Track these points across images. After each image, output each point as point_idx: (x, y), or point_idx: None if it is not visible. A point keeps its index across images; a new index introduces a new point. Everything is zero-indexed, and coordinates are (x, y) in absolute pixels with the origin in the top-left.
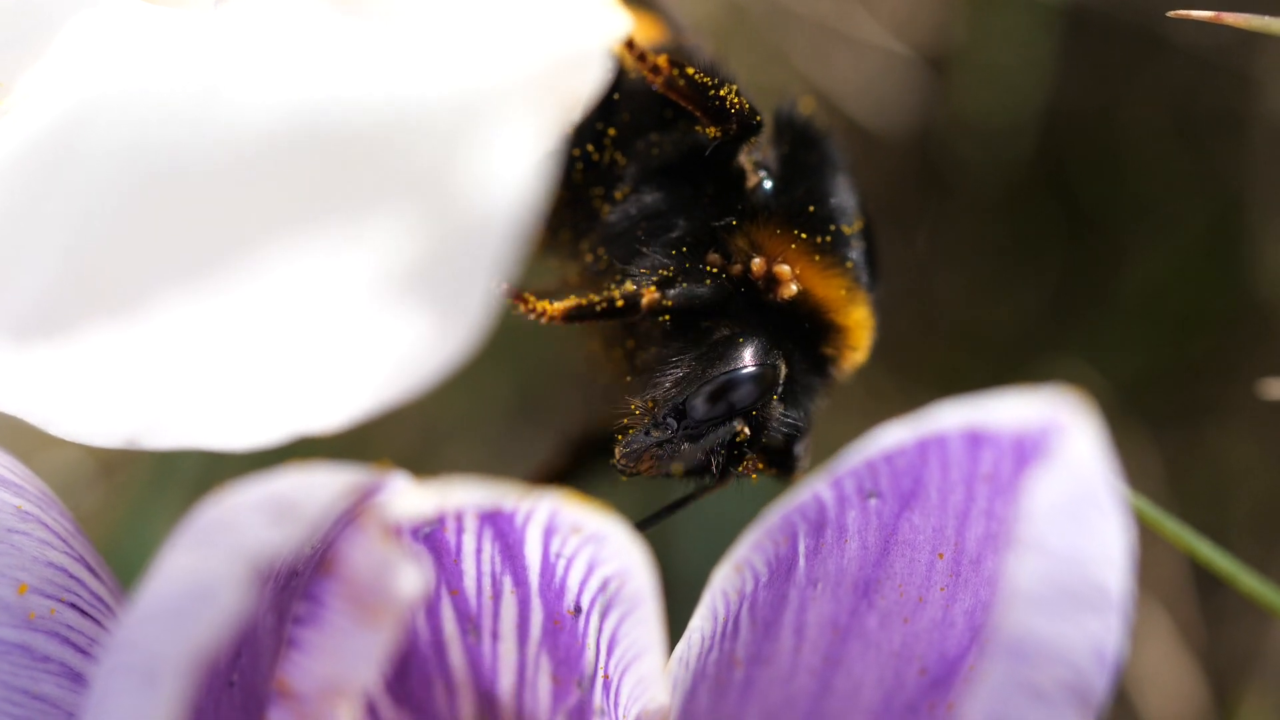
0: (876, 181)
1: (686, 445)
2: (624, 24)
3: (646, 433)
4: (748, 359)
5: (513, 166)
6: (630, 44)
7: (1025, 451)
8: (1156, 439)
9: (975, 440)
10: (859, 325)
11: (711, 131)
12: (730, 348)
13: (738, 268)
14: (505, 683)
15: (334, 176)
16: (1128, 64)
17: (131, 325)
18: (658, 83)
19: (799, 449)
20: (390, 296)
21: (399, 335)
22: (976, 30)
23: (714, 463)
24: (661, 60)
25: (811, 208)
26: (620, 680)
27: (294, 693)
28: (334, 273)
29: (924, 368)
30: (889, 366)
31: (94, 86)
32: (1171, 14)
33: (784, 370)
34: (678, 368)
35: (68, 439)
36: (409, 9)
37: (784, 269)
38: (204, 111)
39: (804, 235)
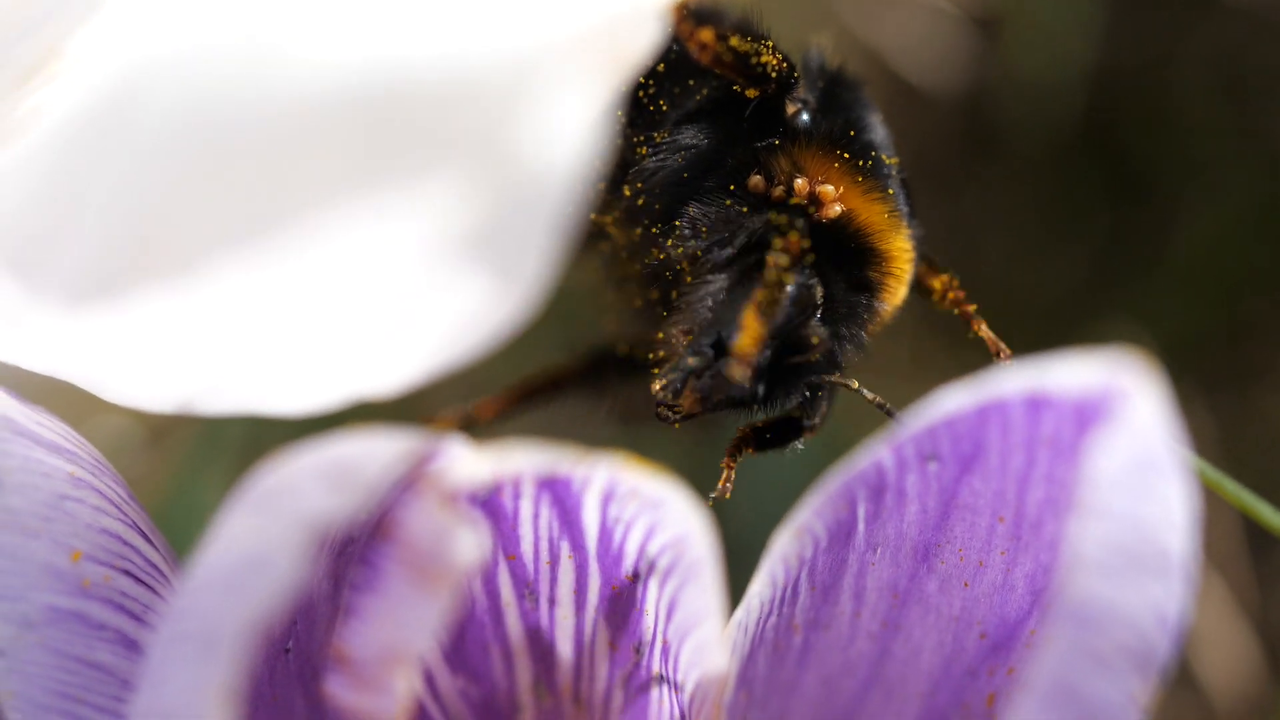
0: (923, 141)
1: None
2: None
3: (684, 362)
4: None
5: (569, 127)
6: (680, 7)
7: (1087, 415)
8: (1207, 400)
9: (1036, 404)
10: (901, 253)
11: (751, 93)
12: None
13: (780, 190)
14: (562, 649)
15: (390, 136)
16: (1176, 22)
17: (185, 288)
18: (705, 59)
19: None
20: (445, 259)
21: (454, 298)
22: None
23: (759, 391)
24: (708, 35)
25: (851, 133)
26: (679, 646)
27: (351, 660)
28: (389, 234)
29: (964, 328)
30: (934, 330)
31: (146, 50)
32: None
33: (820, 289)
34: (713, 294)
35: (120, 404)
36: None
37: (827, 188)
38: (258, 73)
39: (846, 156)
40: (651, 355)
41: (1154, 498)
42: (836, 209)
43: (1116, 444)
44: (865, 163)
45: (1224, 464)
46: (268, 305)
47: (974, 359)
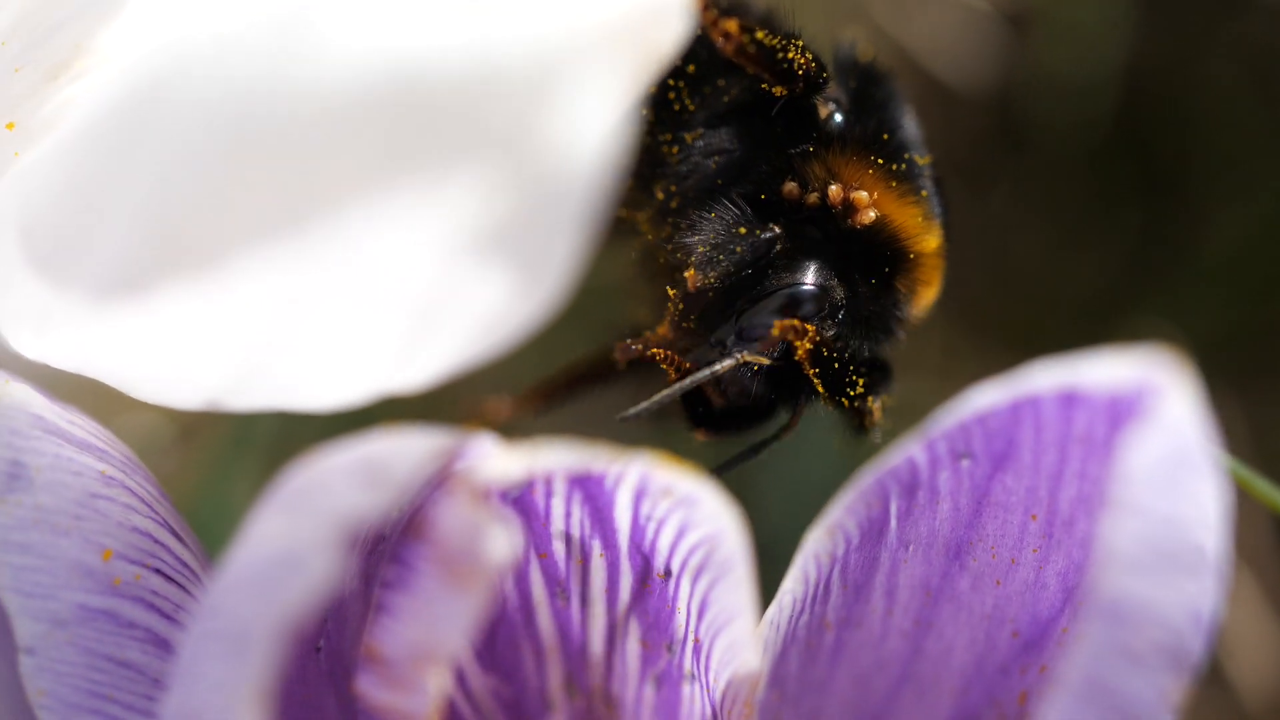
0: (955, 139)
1: (743, 371)
2: None
3: (702, 360)
4: (808, 277)
5: (596, 122)
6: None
7: (1120, 412)
8: (1238, 397)
9: (1069, 401)
10: (933, 257)
11: (779, 90)
12: (789, 268)
13: (814, 196)
14: (594, 647)
15: (417, 131)
16: (1207, 19)
17: (214, 284)
18: (728, 49)
19: (872, 396)
20: (472, 254)
21: (481, 293)
22: None
23: (771, 395)
24: (732, 26)
25: (885, 135)
26: (711, 644)
27: (383, 658)
28: (416, 229)
29: (1001, 327)
30: (965, 326)
31: (173, 45)
32: None
33: (842, 292)
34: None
35: (150, 402)
36: None
37: (861, 194)
38: (287, 66)
39: (880, 161)
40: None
41: (1187, 495)
42: (871, 215)
43: (1150, 441)
44: (899, 165)
45: (1256, 461)
46: (296, 300)
47: (1005, 357)
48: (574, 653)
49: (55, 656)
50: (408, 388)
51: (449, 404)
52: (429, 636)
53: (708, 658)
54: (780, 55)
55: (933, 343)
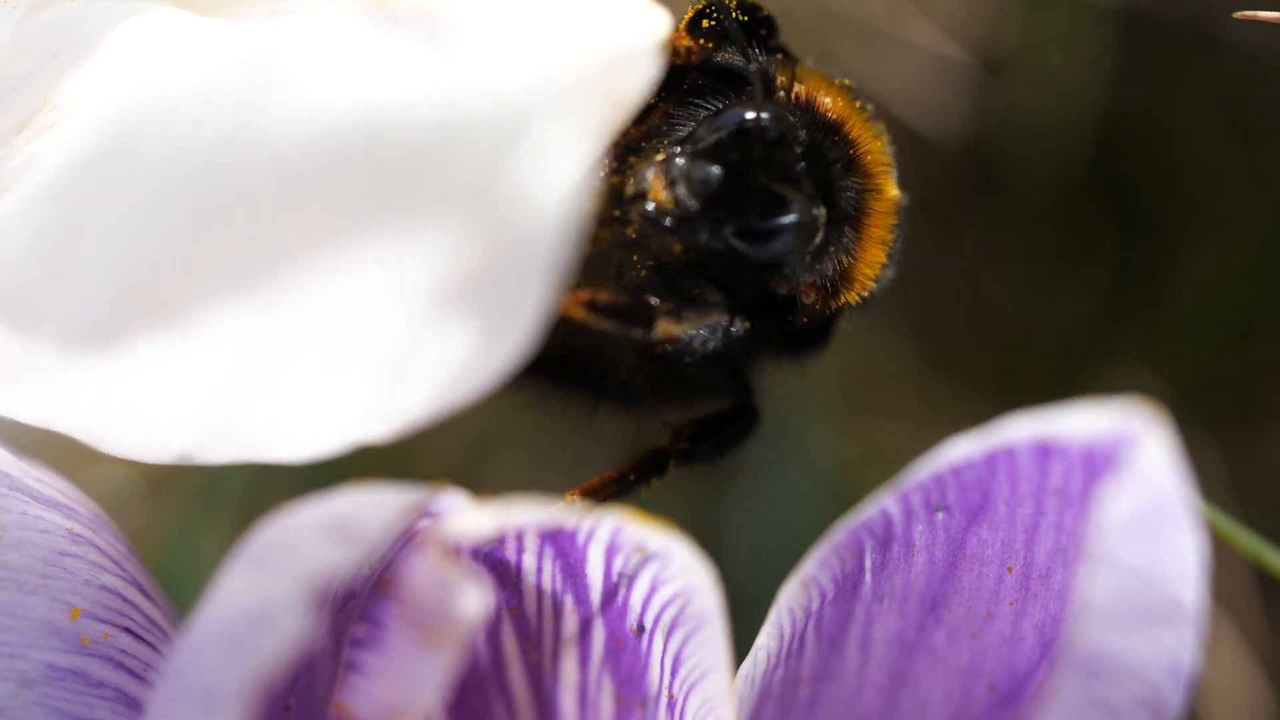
0: (929, 184)
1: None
2: (666, 22)
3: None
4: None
5: (563, 172)
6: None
7: (1096, 464)
8: (1216, 441)
9: (1044, 453)
10: (887, 196)
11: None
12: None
13: (780, 96)
14: (566, 703)
15: (385, 182)
16: (1182, 64)
17: (183, 337)
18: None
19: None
20: (442, 305)
21: (451, 345)
22: (1029, 32)
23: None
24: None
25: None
26: (685, 700)
27: (354, 717)
28: (386, 281)
29: (978, 372)
30: (942, 372)
31: (140, 99)
32: (1238, 15)
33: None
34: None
35: (120, 456)
36: (457, 15)
37: (825, 100)
38: (254, 121)
39: (846, 85)
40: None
41: (1164, 547)
42: (829, 102)
43: (1126, 493)
44: (862, 105)
45: (1234, 506)
46: (266, 352)
47: (982, 402)
48: (547, 709)
49: (23, 716)
50: (379, 438)
51: (421, 454)
52: (400, 695)
53: (682, 713)
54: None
55: (910, 389)
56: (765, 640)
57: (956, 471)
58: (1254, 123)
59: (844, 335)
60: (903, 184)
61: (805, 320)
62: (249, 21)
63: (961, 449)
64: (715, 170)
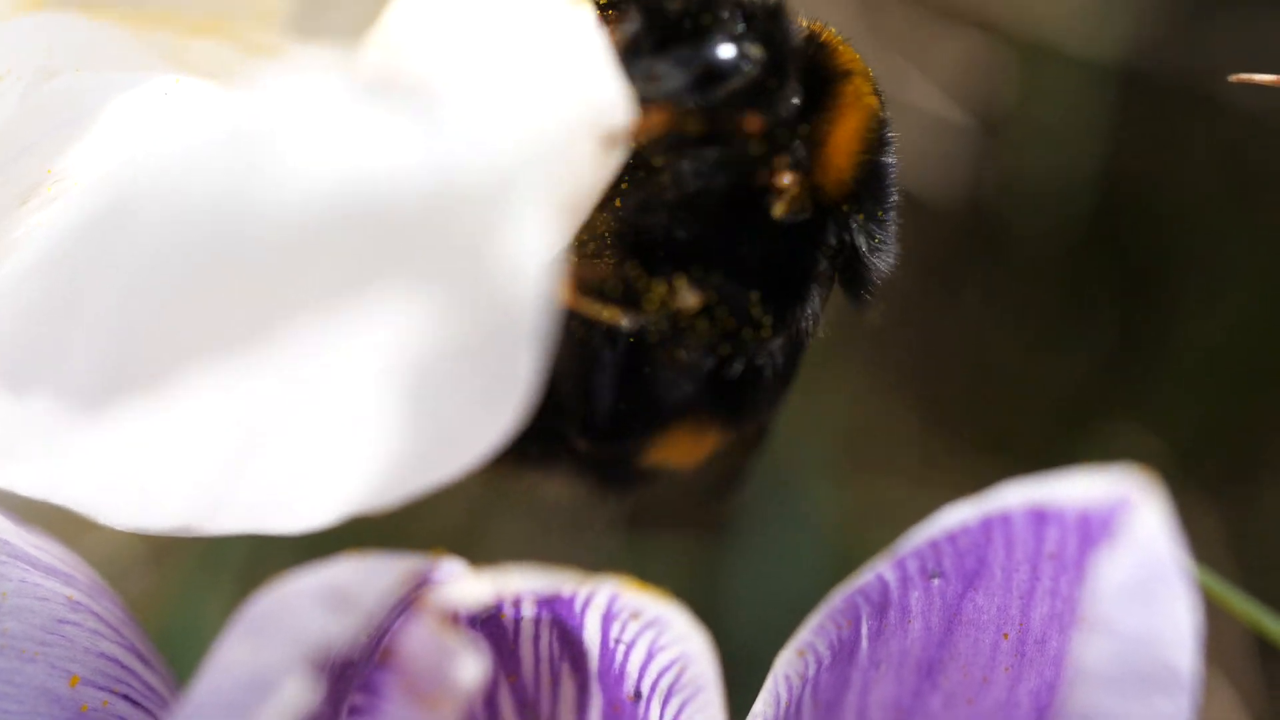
0: (927, 244)
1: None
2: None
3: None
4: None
5: (547, 236)
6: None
7: (1091, 530)
8: (1214, 498)
9: (1040, 518)
10: (857, 64)
11: None
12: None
13: None
14: None
15: (373, 254)
16: (1179, 124)
17: (179, 408)
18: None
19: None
20: (436, 376)
21: (444, 416)
22: (1027, 92)
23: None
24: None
25: None
26: None
27: None
28: (381, 349)
29: (979, 430)
30: (943, 429)
31: (134, 167)
32: (1234, 78)
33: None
34: None
35: (117, 528)
36: (441, 84)
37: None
38: (244, 187)
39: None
40: None
41: (1160, 613)
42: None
43: (1121, 559)
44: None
45: (1231, 565)
46: (262, 423)
47: (982, 461)
48: None
49: None
50: (376, 508)
51: (418, 522)
52: None
53: None
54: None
55: (910, 446)
56: (762, 707)
57: (952, 538)
58: (1252, 182)
59: (844, 393)
60: (902, 243)
61: (787, 214)
62: (242, 89)
63: (958, 515)
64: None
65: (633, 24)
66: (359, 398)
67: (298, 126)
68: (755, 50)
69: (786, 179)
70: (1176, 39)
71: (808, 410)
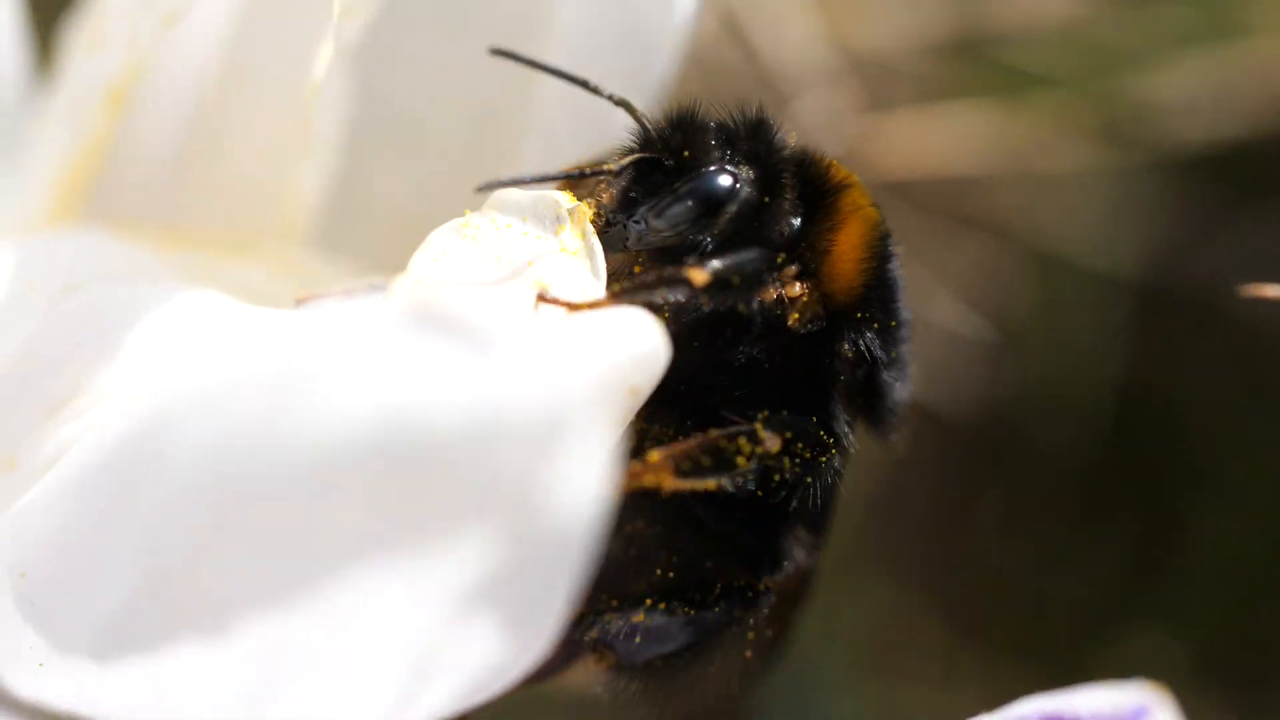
0: (946, 456)
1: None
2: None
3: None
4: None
5: (593, 470)
6: None
7: None
8: (1234, 705)
9: None
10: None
11: None
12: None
13: None
14: None
15: (417, 486)
16: (1194, 336)
17: (210, 636)
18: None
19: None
20: (472, 606)
21: (479, 645)
22: (1044, 305)
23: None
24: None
25: None
26: None
27: None
28: (415, 583)
29: (1000, 636)
30: (964, 636)
31: (167, 397)
32: (1243, 293)
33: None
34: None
35: None
36: (486, 320)
37: None
38: (284, 420)
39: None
40: None
41: None
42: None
43: None
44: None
45: None
46: (294, 652)
47: (1005, 668)
48: None
49: None
50: None
51: None
52: None
53: None
54: None
55: (930, 655)
56: None
57: None
58: (1267, 393)
59: (864, 602)
60: (919, 455)
61: (801, 324)
62: (282, 310)
63: None
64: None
65: (623, 180)
66: (389, 627)
67: (340, 355)
68: (745, 170)
69: (797, 288)
70: (1191, 252)
71: (827, 619)
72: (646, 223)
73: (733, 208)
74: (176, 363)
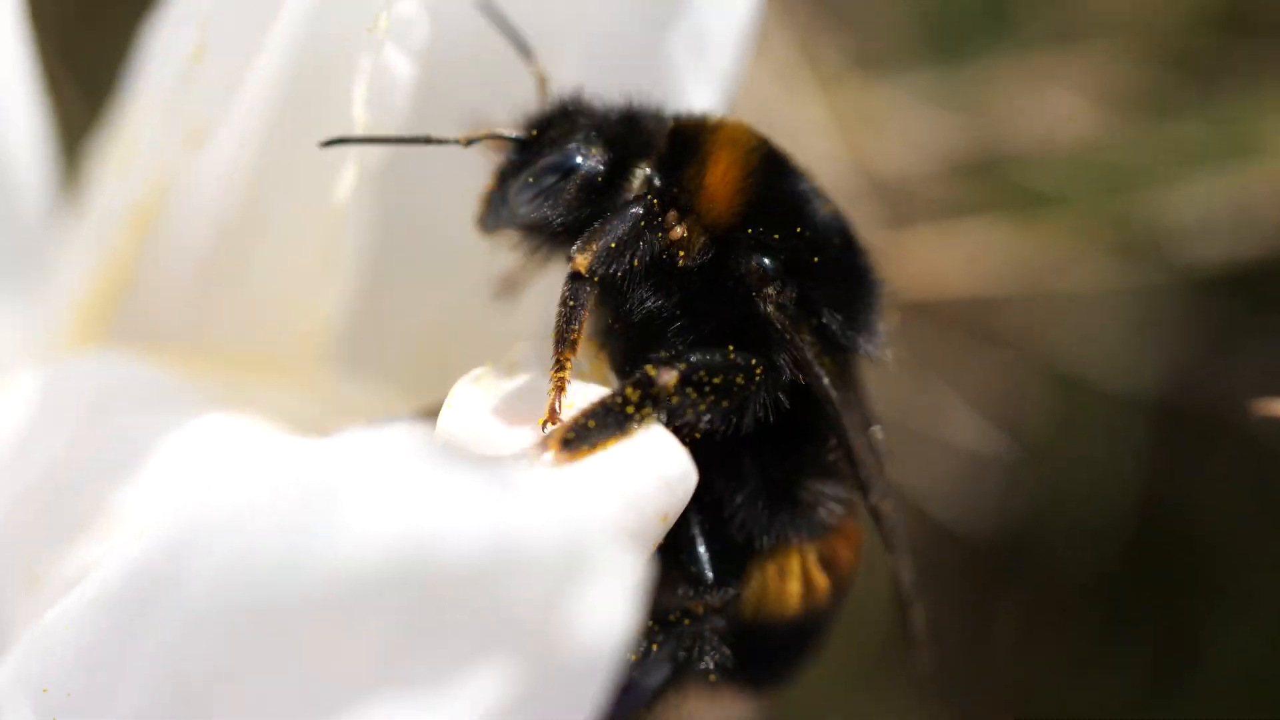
0: (964, 576)
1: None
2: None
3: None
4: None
5: (615, 603)
6: None
7: None
8: None
9: None
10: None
11: None
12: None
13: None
14: None
15: (438, 613)
16: (1211, 452)
17: None
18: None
19: None
20: None
21: None
22: (1061, 424)
23: None
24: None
25: None
26: None
27: None
28: (434, 711)
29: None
30: None
31: (190, 512)
32: (1259, 410)
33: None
34: None
35: None
36: (507, 453)
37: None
38: (306, 544)
39: None
40: None
41: None
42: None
43: None
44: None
45: None
46: None
47: None
48: None
49: None
50: None
51: None
52: None
53: None
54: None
55: None
56: None
57: None
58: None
59: (886, 715)
60: (939, 570)
61: (690, 259)
62: (305, 437)
63: None
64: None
65: (507, 157)
66: None
67: (364, 482)
68: (594, 148)
69: (679, 230)
70: (1207, 370)
71: None
72: (505, 200)
73: (575, 182)
74: (199, 485)
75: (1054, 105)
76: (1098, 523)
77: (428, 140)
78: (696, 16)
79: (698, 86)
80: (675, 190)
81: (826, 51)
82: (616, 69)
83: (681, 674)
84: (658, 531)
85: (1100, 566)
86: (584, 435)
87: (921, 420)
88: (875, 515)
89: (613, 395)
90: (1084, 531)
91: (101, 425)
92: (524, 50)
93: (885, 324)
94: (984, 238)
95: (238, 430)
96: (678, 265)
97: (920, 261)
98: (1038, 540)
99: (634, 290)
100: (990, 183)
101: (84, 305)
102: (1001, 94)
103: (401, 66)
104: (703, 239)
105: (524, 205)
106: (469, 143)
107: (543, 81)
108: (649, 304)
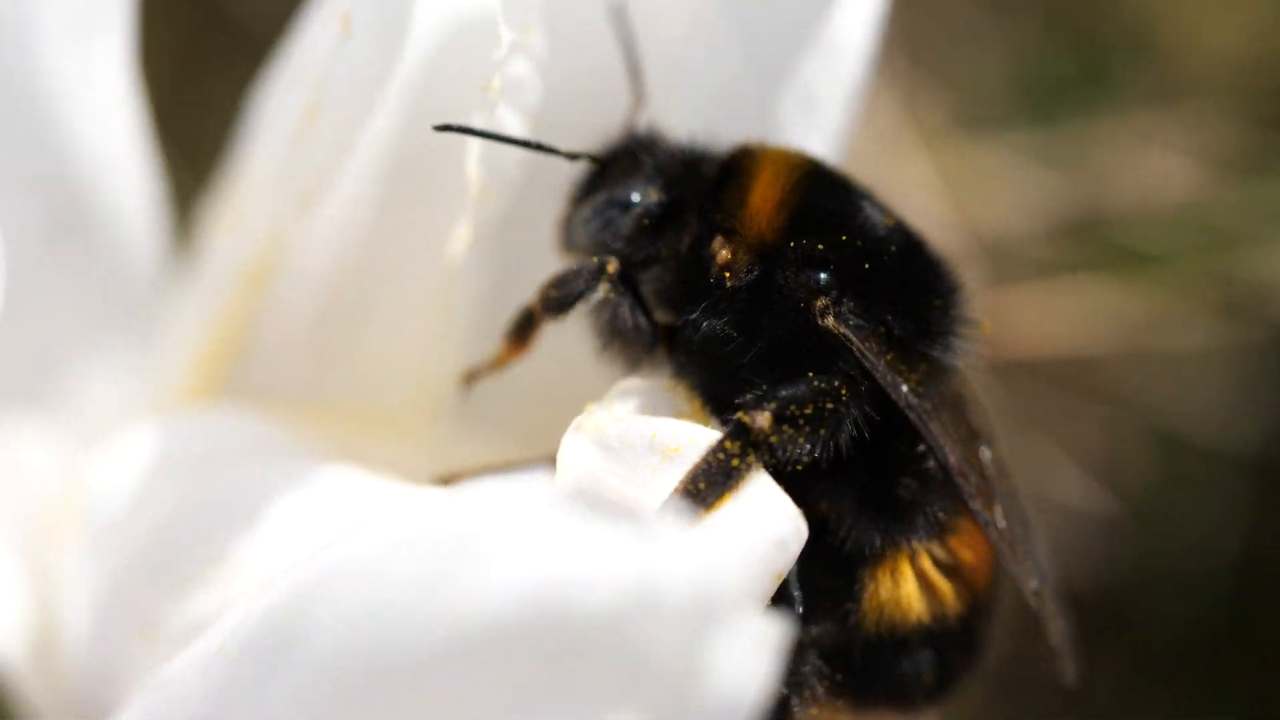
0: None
1: None
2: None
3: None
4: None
5: (755, 651)
6: None
7: None
8: None
9: None
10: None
11: None
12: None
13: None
14: None
15: (574, 661)
16: None
17: None
18: None
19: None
20: None
21: None
22: (1166, 483)
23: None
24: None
25: None
26: None
27: None
28: None
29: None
30: None
31: (318, 563)
32: None
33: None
34: None
35: None
36: (642, 505)
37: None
38: (444, 593)
39: None
40: None
41: None
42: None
43: None
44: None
45: None
46: None
47: None
48: None
49: None
50: None
51: None
52: None
53: None
54: None
55: None
56: None
57: None
58: None
59: None
60: (1040, 626)
61: (737, 278)
62: (418, 479)
63: None
64: None
65: (579, 183)
66: None
67: (504, 531)
68: (655, 190)
69: (724, 252)
70: None
71: None
72: (573, 224)
73: (632, 217)
74: (320, 537)
75: (1154, 165)
76: (1199, 580)
77: (539, 147)
78: (808, 73)
79: (808, 143)
80: (718, 216)
81: (929, 111)
82: (726, 122)
83: (787, 710)
84: (772, 588)
85: (1201, 623)
86: (696, 498)
87: (1024, 478)
88: (982, 523)
89: (714, 451)
90: (1185, 588)
91: (216, 478)
92: (640, 96)
93: (971, 331)
94: (1085, 296)
95: (355, 483)
96: (725, 286)
97: (1022, 320)
98: (1139, 597)
99: (692, 316)
100: (1091, 242)
101: (199, 360)
102: (1102, 154)
103: (514, 126)
104: (747, 257)
105: (587, 232)
106: (573, 157)
107: (636, 106)
108: (706, 327)
